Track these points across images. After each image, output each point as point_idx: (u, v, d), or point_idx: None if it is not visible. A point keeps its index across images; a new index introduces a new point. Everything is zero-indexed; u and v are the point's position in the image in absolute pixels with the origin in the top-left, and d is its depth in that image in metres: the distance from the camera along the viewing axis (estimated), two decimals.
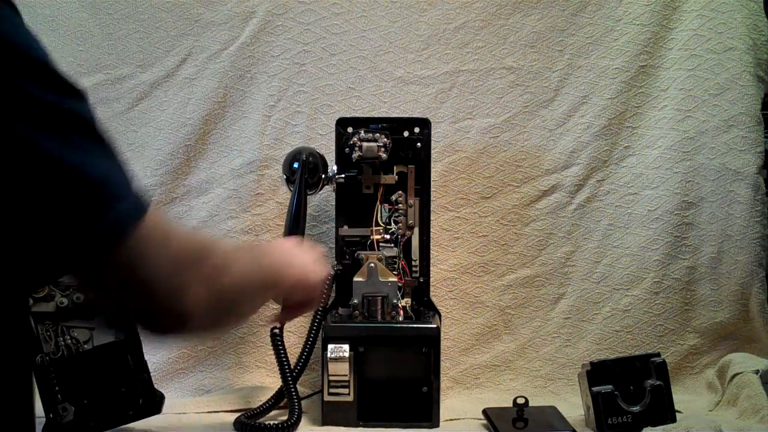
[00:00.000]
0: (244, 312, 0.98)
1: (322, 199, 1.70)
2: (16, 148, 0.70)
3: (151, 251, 0.78)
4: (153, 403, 1.42)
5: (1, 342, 0.80)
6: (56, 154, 0.71)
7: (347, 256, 1.58)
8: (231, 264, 0.89)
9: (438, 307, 1.60)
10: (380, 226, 1.58)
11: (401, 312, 1.52)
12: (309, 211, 1.57)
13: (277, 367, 1.52)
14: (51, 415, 1.35)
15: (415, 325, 1.51)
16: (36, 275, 0.78)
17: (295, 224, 1.50)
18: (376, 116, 1.65)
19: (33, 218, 0.72)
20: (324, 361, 1.46)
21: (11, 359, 0.82)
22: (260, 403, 1.54)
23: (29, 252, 0.73)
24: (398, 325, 1.50)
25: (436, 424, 1.48)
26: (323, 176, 1.56)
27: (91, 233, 0.73)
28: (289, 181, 1.56)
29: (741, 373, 1.58)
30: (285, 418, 1.48)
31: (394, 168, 1.59)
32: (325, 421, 1.47)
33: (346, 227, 1.59)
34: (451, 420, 1.52)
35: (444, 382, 1.58)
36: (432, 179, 1.61)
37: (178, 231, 0.85)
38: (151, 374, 1.68)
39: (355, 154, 1.55)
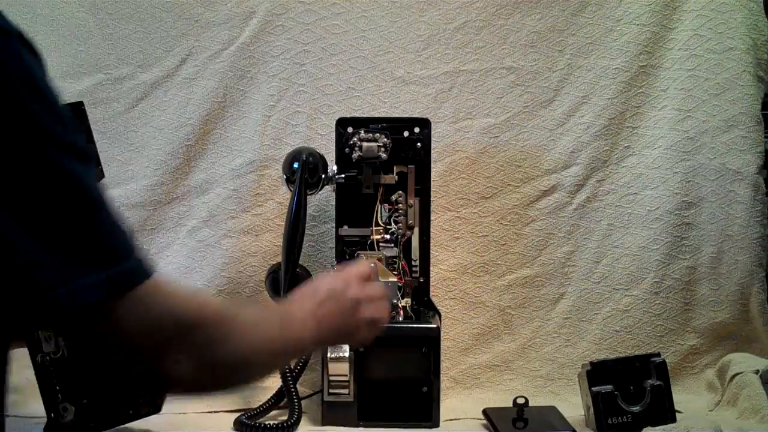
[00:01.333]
0: (257, 376, 0.97)
1: (322, 199, 1.70)
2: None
3: (136, 316, 0.77)
4: (152, 403, 1.42)
5: None
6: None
7: (347, 256, 1.58)
8: (233, 335, 0.86)
9: (438, 307, 1.60)
10: (380, 226, 1.58)
11: (401, 312, 1.52)
12: (309, 211, 1.57)
13: None
14: (52, 415, 1.35)
15: (415, 325, 1.51)
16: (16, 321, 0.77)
17: (295, 224, 1.50)
18: (376, 116, 1.65)
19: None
20: (324, 361, 1.46)
21: None
22: (260, 403, 1.54)
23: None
24: (398, 325, 1.50)
25: (436, 424, 1.48)
26: (323, 176, 1.56)
27: (81, 289, 0.73)
28: (289, 181, 1.56)
29: (741, 373, 1.58)
30: (285, 418, 1.48)
31: (394, 168, 1.59)
32: (325, 421, 1.48)
33: (346, 227, 1.59)
34: (451, 420, 1.52)
35: (444, 382, 1.58)
36: (432, 179, 1.61)
37: (174, 298, 0.82)
38: None
39: (355, 154, 1.55)
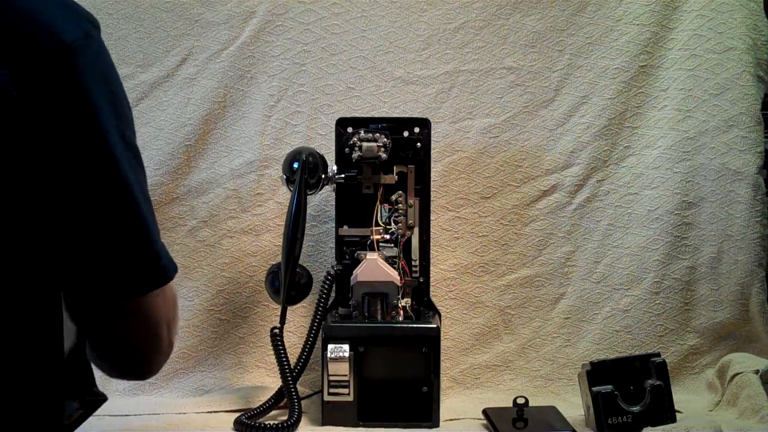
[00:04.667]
0: None
1: (322, 199, 1.70)
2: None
3: (165, 307, 0.91)
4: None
5: (32, 336, 0.84)
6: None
7: (347, 256, 1.58)
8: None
9: (438, 307, 1.60)
10: (380, 226, 1.58)
11: (401, 312, 1.52)
12: (309, 211, 1.57)
13: (277, 367, 1.52)
14: None
15: (415, 325, 1.51)
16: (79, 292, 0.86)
17: (295, 224, 1.50)
18: (376, 116, 1.65)
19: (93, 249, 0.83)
20: (324, 361, 1.46)
21: (41, 354, 0.86)
22: (260, 403, 1.54)
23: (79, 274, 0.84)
24: (398, 325, 1.50)
25: (436, 424, 1.48)
26: (323, 176, 1.56)
27: (142, 272, 0.86)
28: (289, 181, 1.56)
29: (741, 373, 1.58)
30: (285, 418, 1.48)
31: (394, 168, 1.59)
32: (325, 421, 1.48)
33: (346, 227, 1.59)
34: (451, 420, 1.52)
35: (444, 382, 1.58)
36: (432, 179, 1.61)
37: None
38: None
39: (355, 154, 1.55)
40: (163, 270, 0.88)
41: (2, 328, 0.81)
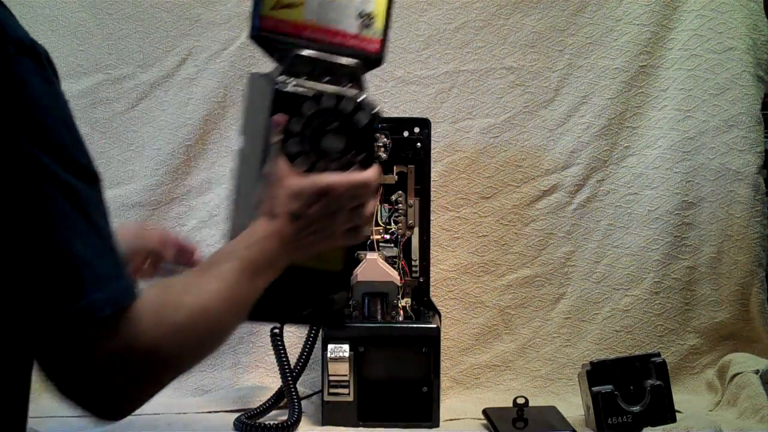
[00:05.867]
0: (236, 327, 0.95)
1: None
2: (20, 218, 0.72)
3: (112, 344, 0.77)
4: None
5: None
6: (51, 233, 0.73)
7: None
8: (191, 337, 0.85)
9: (438, 307, 1.60)
10: (380, 226, 1.58)
11: (401, 312, 1.52)
12: None
13: (277, 367, 1.52)
14: None
15: (415, 325, 1.51)
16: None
17: None
18: None
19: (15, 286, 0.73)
20: (324, 361, 1.46)
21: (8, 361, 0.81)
22: (260, 403, 1.54)
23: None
24: (398, 325, 1.50)
25: (436, 424, 1.48)
26: None
27: (61, 314, 0.74)
28: None
29: (741, 373, 1.58)
30: (285, 418, 1.48)
31: (394, 168, 1.59)
32: (325, 421, 1.47)
33: None
34: (451, 420, 1.52)
35: (444, 382, 1.58)
36: (432, 179, 1.61)
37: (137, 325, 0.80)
38: None
39: None
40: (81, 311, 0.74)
41: None
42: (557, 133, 1.75)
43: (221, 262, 0.93)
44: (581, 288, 1.73)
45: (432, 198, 1.61)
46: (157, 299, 0.82)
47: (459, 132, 1.74)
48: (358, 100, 1.08)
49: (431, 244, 1.61)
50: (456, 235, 1.74)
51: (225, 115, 1.74)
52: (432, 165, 1.61)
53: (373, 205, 1.10)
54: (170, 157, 1.73)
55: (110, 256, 0.77)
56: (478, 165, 1.74)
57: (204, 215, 1.73)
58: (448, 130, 1.74)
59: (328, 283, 1.12)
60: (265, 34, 1.14)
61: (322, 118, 1.11)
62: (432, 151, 1.60)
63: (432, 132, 1.60)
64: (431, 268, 1.61)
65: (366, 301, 1.50)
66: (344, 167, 1.10)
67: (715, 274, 1.72)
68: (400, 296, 1.53)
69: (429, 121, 1.59)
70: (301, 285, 1.09)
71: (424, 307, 1.58)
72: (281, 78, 1.12)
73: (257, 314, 1.00)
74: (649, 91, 1.74)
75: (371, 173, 1.08)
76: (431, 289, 1.61)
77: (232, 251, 0.96)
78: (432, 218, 1.61)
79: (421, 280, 1.60)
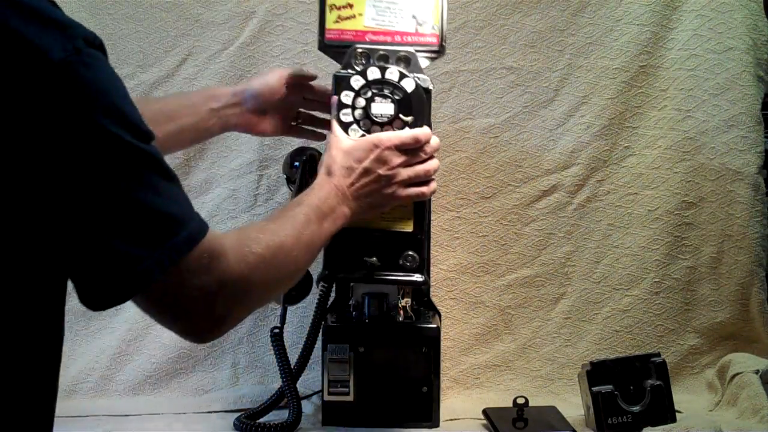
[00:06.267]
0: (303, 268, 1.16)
1: None
2: (98, 182, 0.83)
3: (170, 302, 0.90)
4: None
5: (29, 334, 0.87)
6: (136, 195, 0.84)
7: None
8: (274, 265, 1.01)
9: (438, 307, 1.60)
10: None
11: (401, 312, 1.52)
12: None
13: (278, 367, 1.51)
14: None
15: (415, 325, 1.51)
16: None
17: None
18: None
19: (103, 242, 0.83)
20: (324, 361, 1.46)
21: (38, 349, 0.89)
22: (260, 403, 1.54)
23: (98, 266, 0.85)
24: (398, 325, 1.50)
25: (436, 424, 1.48)
26: None
27: (155, 257, 0.85)
28: (289, 180, 1.55)
29: (741, 373, 1.58)
30: (285, 418, 1.48)
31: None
32: (325, 421, 1.47)
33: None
34: (451, 420, 1.52)
35: (444, 382, 1.58)
36: None
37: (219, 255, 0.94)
38: (151, 374, 1.69)
39: None
40: (131, 281, 0.85)
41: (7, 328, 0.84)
42: (557, 133, 1.75)
43: (291, 209, 1.12)
44: (581, 288, 1.73)
45: (432, 198, 1.60)
46: (238, 238, 0.96)
47: (459, 132, 1.74)
48: (402, 70, 1.24)
49: (431, 244, 1.61)
50: (456, 235, 1.74)
51: None
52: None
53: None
54: (170, 157, 1.72)
55: (182, 198, 0.90)
56: (478, 165, 1.74)
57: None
58: (448, 130, 1.74)
59: (402, 242, 1.34)
60: (331, 44, 1.40)
61: (371, 89, 1.33)
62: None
63: (432, 132, 1.59)
64: (431, 268, 1.61)
65: (366, 301, 1.50)
66: (396, 130, 1.31)
67: (715, 274, 1.72)
68: (400, 296, 1.53)
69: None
70: (376, 244, 1.33)
71: (424, 307, 1.58)
72: (342, 70, 1.35)
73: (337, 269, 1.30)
74: (649, 91, 1.74)
75: (420, 131, 1.30)
76: (431, 289, 1.61)
77: (300, 201, 1.15)
78: (432, 218, 1.61)
79: None
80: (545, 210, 1.74)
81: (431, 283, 1.60)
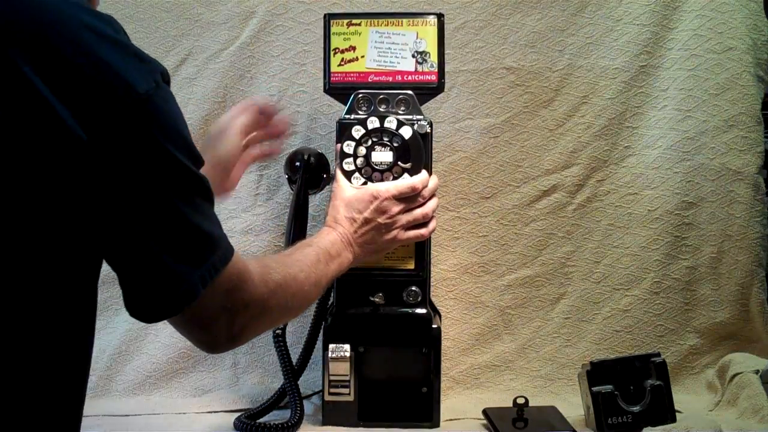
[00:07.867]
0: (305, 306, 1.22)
1: (324, 199, 1.70)
2: (157, 203, 0.89)
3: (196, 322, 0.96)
4: None
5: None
6: (188, 216, 0.91)
7: None
8: (286, 300, 1.09)
9: (438, 307, 1.60)
10: None
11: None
12: (310, 211, 1.57)
13: (278, 367, 1.52)
14: None
15: (415, 325, 1.51)
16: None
17: (297, 224, 1.50)
18: None
19: (152, 257, 0.89)
20: (324, 361, 1.46)
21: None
22: (260, 403, 1.54)
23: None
24: (398, 326, 1.50)
25: (436, 424, 1.48)
26: (325, 176, 1.56)
27: (198, 274, 0.91)
28: (290, 180, 1.56)
29: (741, 373, 1.58)
30: (285, 418, 1.48)
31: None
32: (325, 421, 1.48)
33: None
34: (451, 420, 1.52)
35: (444, 382, 1.58)
36: None
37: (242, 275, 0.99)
38: (151, 374, 1.69)
39: None
40: (178, 296, 0.90)
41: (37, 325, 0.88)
42: (557, 133, 1.75)
43: (303, 248, 1.23)
44: (581, 288, 1.73)
45: None
46: (260, 264, 1.04)
47: (459, 132, 1.74)
48: (401, 118, 1.29)
49: (431, 244, 1.61)
50: (456, 235, 1.74)
51: None
52: (432, 165, 1.60)
53: (429, 206, 1.41)
54: None
55: (216, 220, 0.95)
56: (478, 165, 1.74)
57: None
58: (448, 130, 1.74)
59: (405, 279, 1.45)
60: (335, 87, 1.50)
61: (371, 137, 1.43)
62: (432, 151, 1.60)
63: (432, 132, 1.59)
64: (431, 268, 1.61)
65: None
66: (395, 177, 1.41)
67: (715, 274, 1.72)
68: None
69: (429, 121, 1.59)
70: (381, 281, 1.45)
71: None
72: (345, 115, 1.45)
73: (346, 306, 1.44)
74: (649, 91, 1.74)
75: (417, 178, 1.40)
76: (431, 289, 1.61)
77: (311, 243, 1.27)
78: None
79: None
80: (545, 210, 1.74)
81: (431, 283, 1.61)
